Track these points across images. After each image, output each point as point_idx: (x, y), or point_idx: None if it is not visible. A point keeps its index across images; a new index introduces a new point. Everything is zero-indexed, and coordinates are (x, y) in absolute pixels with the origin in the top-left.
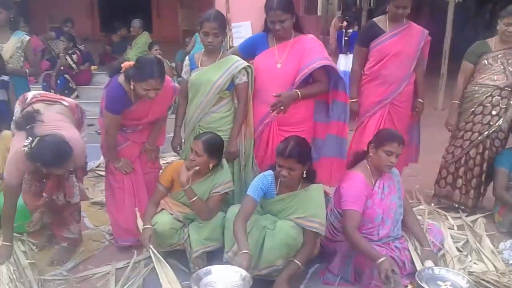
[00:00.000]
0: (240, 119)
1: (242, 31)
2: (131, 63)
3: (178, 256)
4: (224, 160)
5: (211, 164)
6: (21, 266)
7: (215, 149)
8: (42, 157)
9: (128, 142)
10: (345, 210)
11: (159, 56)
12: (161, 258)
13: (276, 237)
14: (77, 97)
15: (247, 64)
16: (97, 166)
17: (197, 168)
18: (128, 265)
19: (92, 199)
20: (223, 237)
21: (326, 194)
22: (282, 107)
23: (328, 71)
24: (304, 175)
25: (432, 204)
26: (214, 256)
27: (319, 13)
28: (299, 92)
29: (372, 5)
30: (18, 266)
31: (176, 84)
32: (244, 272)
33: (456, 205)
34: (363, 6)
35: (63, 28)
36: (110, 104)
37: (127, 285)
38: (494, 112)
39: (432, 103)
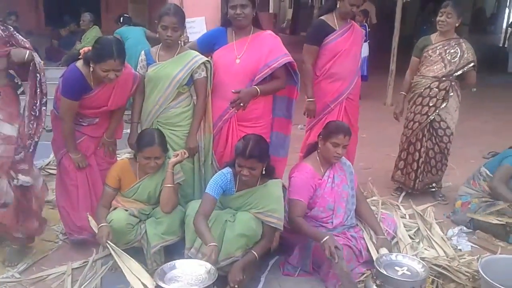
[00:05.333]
0: (199, 114)
1: (196, 26)
2: (90, 47)
3: (133, 254)
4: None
5: None
6: None
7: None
8: None
9: (84, 136)
10: (290, 199)
11: None
12: (122, 252)
13: (235, 228)
14: (23, 93)
15: (206, 59)
16: (47, 164)
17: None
18: (85, 265)
19: None
20: (180, 231)
21: (284, 187)
22: (241, 104)
23: (288, 67)
24: (263, 172)
25: (392, 194)
26: (171, 251)
27: (271, 10)
28: (258, 89)
29: (322, 3)
30: None
31: (137, 73)
32: (209, 266)
33: (401, 186)
34: (314, 4)
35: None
36: (66, 88)
37: (84, 285)
38: (431, 103)
39: (382, 99)
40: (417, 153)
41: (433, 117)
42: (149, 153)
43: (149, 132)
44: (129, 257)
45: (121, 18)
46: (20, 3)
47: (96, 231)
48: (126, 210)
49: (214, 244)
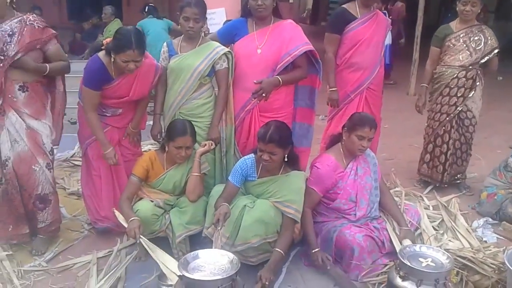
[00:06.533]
0: (221, 105)
1: (216, 17)
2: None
3: (159, 244)
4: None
5: None
6: None
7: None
8: None
9: (108, 127)
10: (307, 187)
11: None
12: (154, 245)
13: (254, 214)
14: None
15: (228, 50)
16: (71, 156)
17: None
18: (110, 254)
19: (69, 189)
20: (204, 220)
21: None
22: (263, 94)
23: (310, 56)
24: (286, 159)
25: (415, 184)
26: (197, 240)
27: (291, 0)
28: (280, 79)
29: None
30: None
31: (159, 64)
32: (231, 255)
33: (428, 180)
34: None
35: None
36: (88, 78)
37: (109, 274)
38: (459, 94)
39: (405, 88)
40: (445, 145)
41: (461, 108)
42: (182, 143)
43: (181, 122)
44: (164, 252)
45: (146, 8)
46: None
47: (125, 225)
48: (152, 201)
49: (226, 204)
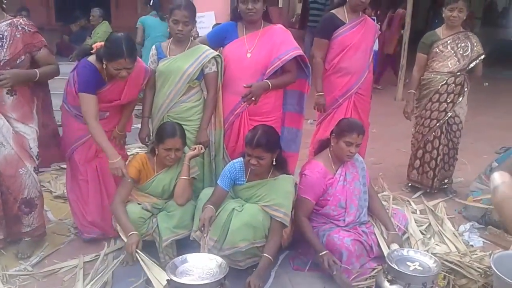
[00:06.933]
0: (210, 108)
1: (205, 21)
2: (102, 43)
3: (146, 248)
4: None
5: None
6: None
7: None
8: None
9: None
10: (299, 197)
11: None
12: (150, 261)
13: (242, 218)
14: None
15: (217, 53)
16: None
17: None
18: (96, 258)
19: (55, 192)
20: (192, 225)
21: (296, 184)
22: (253, 98)
23: (299, 61)
24: (274, 163)
25: (403, 189)
26: (183, 245)
27: (280, 5)
28: (269, 83)
29: None
30: None
31: (148, 67)
32: (220, 259)
33: (418, 186)
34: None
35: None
36: (83, 82)
37: (96, 279)
38: (449, 100)
39: (392, 93)
40: (435, 151)
41: (450, 113)
42: (171, 145)
43: (171, 124)
44: (160, 268)
45: (151, 1)
46: None
47: (125, 239)
48: (139, 204)
49: (209, 206)
